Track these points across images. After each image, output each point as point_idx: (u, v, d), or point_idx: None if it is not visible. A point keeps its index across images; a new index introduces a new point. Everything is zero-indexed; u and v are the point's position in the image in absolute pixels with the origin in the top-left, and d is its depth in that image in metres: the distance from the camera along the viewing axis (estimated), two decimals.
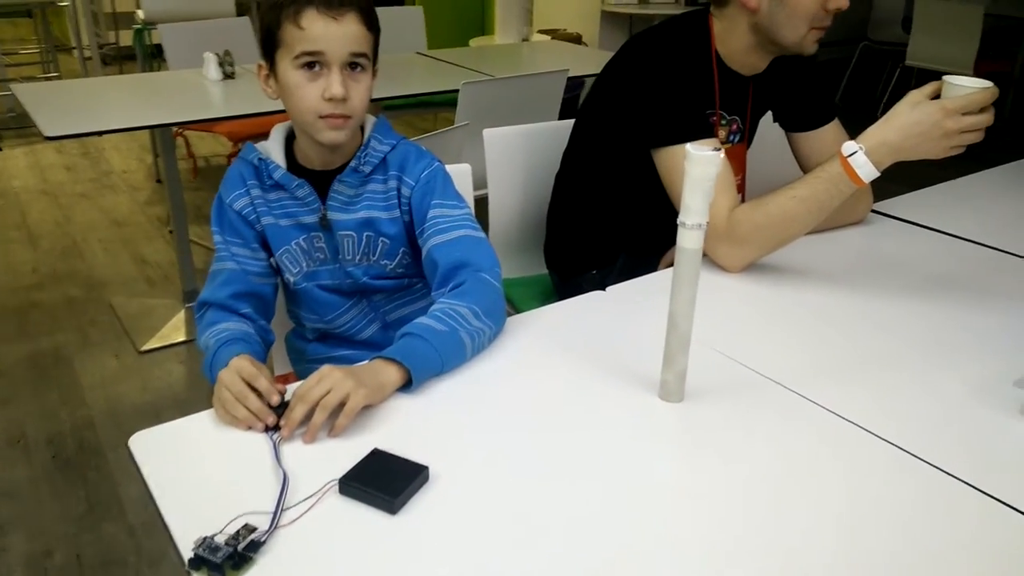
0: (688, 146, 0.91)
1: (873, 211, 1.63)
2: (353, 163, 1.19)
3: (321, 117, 1.12)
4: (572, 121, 1.74)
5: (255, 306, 1.21)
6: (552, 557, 0.77)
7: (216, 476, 0.88)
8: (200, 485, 0.87)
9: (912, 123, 1.19)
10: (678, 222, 0.94)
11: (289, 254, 1.23)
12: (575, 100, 3.59)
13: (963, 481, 0.88)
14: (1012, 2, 4.79)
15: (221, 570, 0.74)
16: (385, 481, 0.85)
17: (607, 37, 4.94)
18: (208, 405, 0.99)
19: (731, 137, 1.56)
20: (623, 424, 0.98)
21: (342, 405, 0.92)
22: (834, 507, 0.84)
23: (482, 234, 1.20)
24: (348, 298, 1.28)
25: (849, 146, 1.23)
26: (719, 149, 0.91)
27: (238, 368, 0.97)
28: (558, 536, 0.80)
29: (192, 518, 0.80)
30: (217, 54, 2.79)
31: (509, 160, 1.78)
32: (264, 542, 0.78)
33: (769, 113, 1.63)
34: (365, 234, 1.22)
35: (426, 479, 0.86)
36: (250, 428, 0.94)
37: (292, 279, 1.25)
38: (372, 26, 1.13)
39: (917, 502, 0.86)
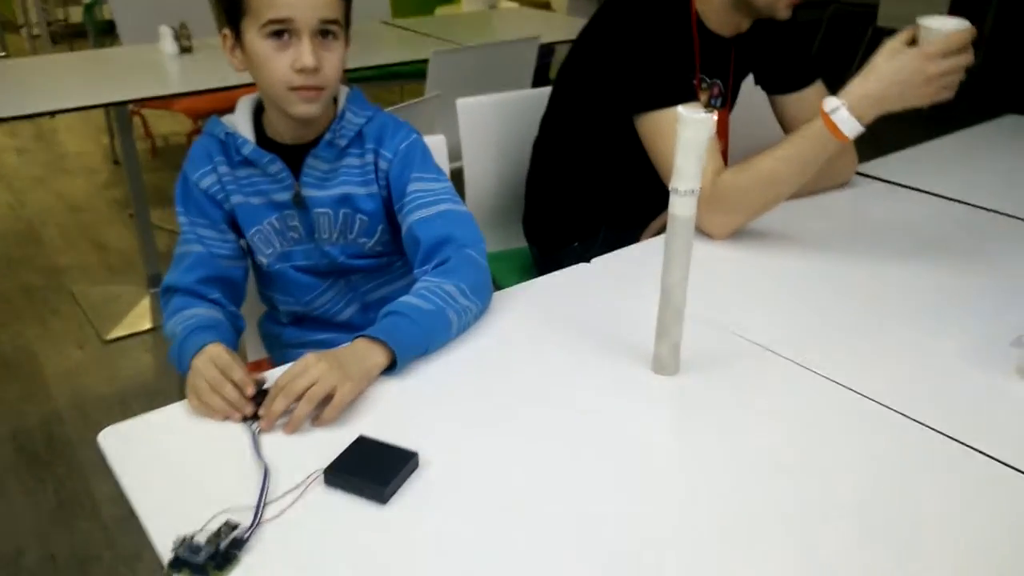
0: (680, 108, 0.86)
1: (858, 173, 1.60)
2: (328, 136, 1.13)
3: (292, 89, 1.06)
4: (549, 89, 1.69)
5: (224, 291, 1.15)
6: (551, 540, 0.73)
7: (192, 470, 0.83)
8: (176, 481, 0.81)
9: (893, 72, 1.15)
10: (670, 188, 0.90)
11: (261, 234, 1.17)
12: (546, 68, 3.53)
13: (964, 444, 0.86)
14: None
15: (204, 571, 0.69)
16: (373, 469, 0.80)
17: (576, 3, 4.84)
18: (179, 395, 0.93)
19: (712, 101, 1.51)
20: (618, 400, 0.94)
21: (328, 396, 0.88)
22: (836, 475, 0.82)
23: (464, 208, 1.15)
24: (325, 279, 1.22)
25: (830, 101, 1.20)
26: (711, 112, 0.86)
27: (213, 356, 0.92)
28: (556, 518, 0.76)
29: (169, 516, 0.75)
30: (173, 27, 2.68)
31: (484, 130, 1.73)
32: (247, 539, 0.73)
33: (751, 76, 1.59)
34: (342, 211, 1.16)
35: (416, 465, 0.82)
36: (226, 419, 0.89)
37: (265, 260, 1.19)
38: None
39: (919, 466, 0.84)
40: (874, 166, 1.65)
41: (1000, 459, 0.84)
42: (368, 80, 3.22)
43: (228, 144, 1.13)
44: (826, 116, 1.20)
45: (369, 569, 0.70)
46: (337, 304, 1.24)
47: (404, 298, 1.01)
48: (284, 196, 1.15)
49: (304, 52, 1.04)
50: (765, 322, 1.10)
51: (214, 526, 0.73)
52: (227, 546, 0.71)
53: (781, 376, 0.99)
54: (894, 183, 1.59)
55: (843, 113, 1.18)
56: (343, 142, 1.14)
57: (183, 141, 4.31)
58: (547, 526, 0.75)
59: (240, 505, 0.76)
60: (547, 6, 4.30)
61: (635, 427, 0.90)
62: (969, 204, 1.50)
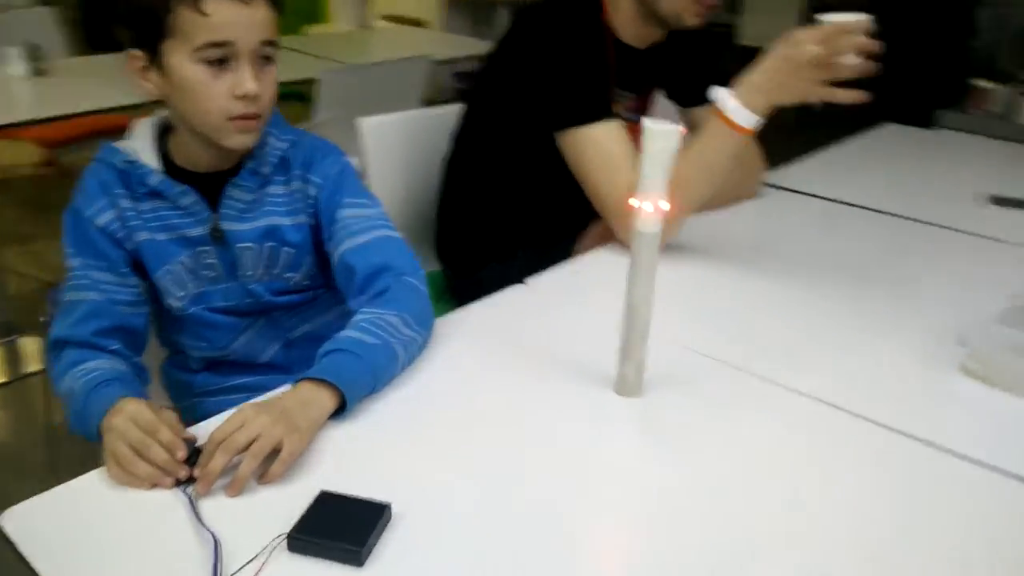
0: (646, 121, 0.83)
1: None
2: (250, 164, 1.02)
3: (231, 119, 0.95)
4: (453, 106, 1.64)
5: (125, 342, 1.01)
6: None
7: (122, 549, 0.71)
8: (105, 562, 0.70)
9: (772, 61, 1.14)
10: (633, 203, 0.86)
11: (171, 275, 1.04)
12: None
13: (919, 439, 0.88)
14: None
15: None
16: (344, 528, 0.71)
17: (451, 20, 4.83)
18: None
19: (627, 114, 1.50)
20: (586, 427, 0.90)
21: (274, 450, 0.78)
22: (801, 483, 0.82)
23: (398, 234, 1.07)
24: (244, 318, 1.10)
25: (719, 92, 1.18)
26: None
27: (132, 415, 0.80)
28: (542, 552, 0.71)
29: None
30: (21, 47, 2.43)
31: (389, 150, 1.65)
32: None
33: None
34: (267, 245, 1.05)
35: (389, 518, 0.74)
36: (155, 486, 0.77)
37: (177, 304, 1.05)
38: (279, 7, 0.97)
39: (877, 464, 0.86)
40: (775, 176, 1.70)
41: (954, 450, 0.86)
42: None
43: (130, 174, 0.99)
44: (717, 109, 1.19)
45: None
46: (258, 345, 1.12)
47: (345, 333, 0.92)
48: (199, 231, 1.03)
49: (246, 78, 0.93)
50: (718, 337, 1.08)
51: None
52: None
53: (743, 390, 0.97)
54: (798, 192, 1.64)
55: (731, 102, 1.17)
56: (267, 169, 1.03)
57: (30, 173, 3.93)
58: (536, 562, 0.70)
59: None
60: (419, 23, 4.25)
61: (609, 453, 0.86)
62: (869, 209, 1.56)
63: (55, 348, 0.98)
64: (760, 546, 0.73)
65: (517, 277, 1.39)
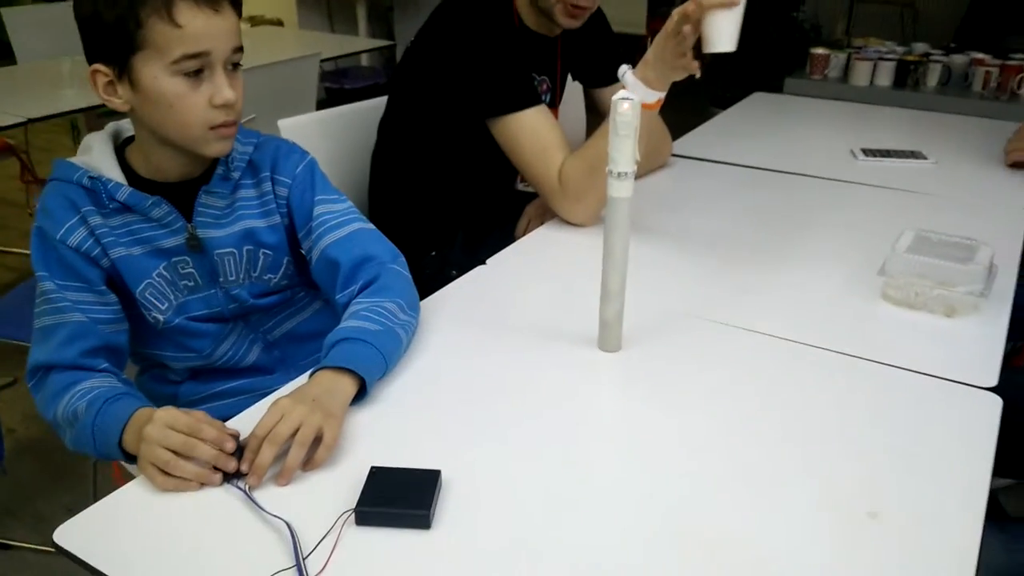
0: (613, 97, 0.92)
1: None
2: (220, 170, 1.03)
3: (212, 128, 0.95)
4: (374, 101, 1.67)
5: (111, 360, 0.99)
6: (588, 520, 0.77)
7: (185, 546, 0.73)
8: (178, 560, 0.72)
9: (657, 38, 1.21)
10: (607, 171, 0.95)
11: (153, 288, 1.02)
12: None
13: (858, 356, 1.03)
14: None
15: None
16: (406, 496, 0.77)
17: (306, 19, 4.74)
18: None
19: (543, 97, 1.60)
20: (581, 380, 0.99)
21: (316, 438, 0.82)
22: (760, 406, 0.94)
23: (372, 224, 1.11)
24: (225, 325, 1.10)
25: (621, 69, 1.27)
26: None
27: (168, 421, 0.81)
28: (563, 487, 0.80)
29: None
30: None
31: (312, 149, 1.65)
32: None
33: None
34: (245, 248, 1.06)
35: (440, 483, 0.80)
36: (203, 485, 0.80)
37: (161, 317, 1.04)
38: (240, 12, 0.98)
39: (825, 380, 0.99)
40: (677, 147, 1.83)
41: (876, 360, 1.02)
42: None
43: (96, 190, 0.98)
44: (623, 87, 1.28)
45: None
46: (240, 349, 1.12)
47: (349, 323, 0.96)
48: (173, 241, 1.02)
49: (222, 86, 0.94)
50: (676, 293, 1.20)
51: None
52: None
53: (705, 334, 1.09)
54: (701, 159, 1.79)
55: (629, 77, 1.24)
56: (236, 174, 1.04)
57: None
58: (577, 511, 0.78)
59: (267, 568, 0.69)
60: (281, 23, 4.16)
61: (602, 399, 0.97)
62: (764, 169, 1.73)
63: (38, 374, 0.96)
64: (728, 462, 0.85)
65: (457, 262, 1.45)
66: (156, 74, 0.92)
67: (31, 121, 2.08)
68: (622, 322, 1.03)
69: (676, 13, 1.17)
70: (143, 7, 0.88)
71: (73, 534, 0.75)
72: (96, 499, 0.79)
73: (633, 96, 0.92)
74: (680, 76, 1.23)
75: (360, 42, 3.95)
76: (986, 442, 0.87)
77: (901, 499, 0.79)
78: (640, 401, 0.96)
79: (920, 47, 3.23)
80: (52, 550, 1.79)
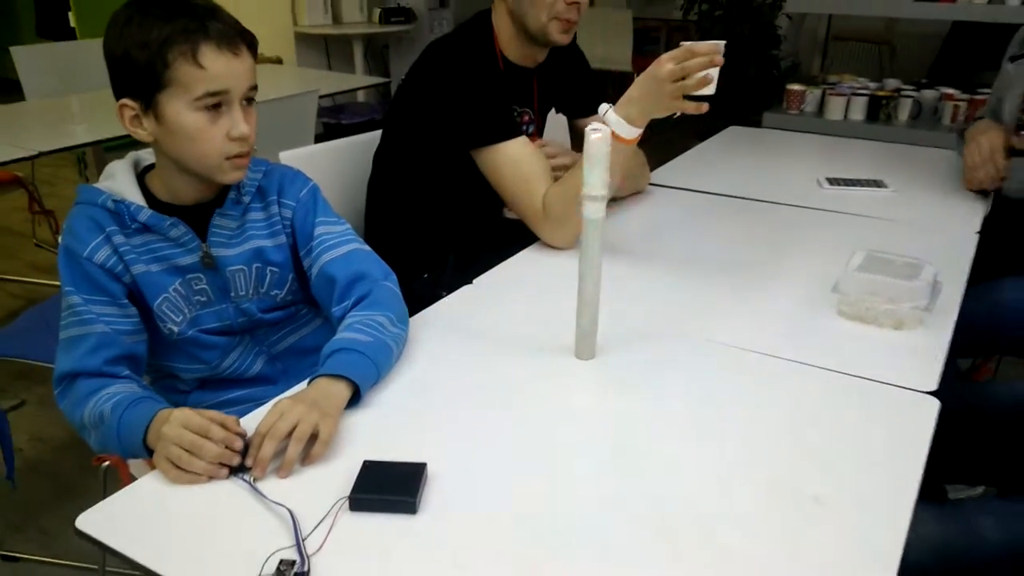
0: (587, 129, 1.02)
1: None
2: (232, 195, 1.14)
3: (228, 158, 1.06)
4: (371, 135, 1.78)
5: (132, 368, 1.09)
6: (561, 506, 0.86)
7: (198, 530, 0.82)
8: (188, 541, 0.80)
9: (642, 78, 1.30)
10: (582, 195, 1.05)
11: (169, 302, 1.12)
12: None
13: (815, 366, 1.12)
14: (655, 7, 5.64)
15: None
16: (395, 485, 0.86)
17: (305, 57, 4.90)
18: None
19: (524, 128, 1.70)
20: (557, 386, 1.08)
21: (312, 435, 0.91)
22: (722, 410, 1.03)
23: (367, 246, 1.21)
24: (233, 337, 1.20)
25: (601, 108, 1.36)
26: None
27: (183, 421, 0.90)
28: (539, 478, 0.89)
29: (208, 574, 0.75)
30: None
31: (315, 179, 1.76)
32: (308, 571, 0.75)
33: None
34: (255, 266, 1.16)
35: (426, 475, 0.88)
36: (211, 478, 0.88)
37: (176, 329, 1.14)
38: (256, 55, 1.09)
39: (783, 388, 1.08)
40: (654, 176, 1.95)
41: (829, 368, 1.11)
42: (125, 147, 3.04)
43: (120, 212, 1.08)
44: (603, 122, 1.38)
45: (420, 571, 0.76)
46: (246, 360, 1.22)
47: (344, 335, 1.05)
48: (189, 259, 1.12)
49: (239, 121, 1.05)
50: (649, 307, 1.30)
51: (271, 569, 0.75)
52: None
53: (675, 345, 1.18)
54: (676, 187, 1.89)
55: (612, 116, 1.33)
56: (247, 198, 1.15)
57: None
58: (550, 499, 0.87)
59: (270, 549, 0.78)
60: (279, 62, 4.30)
61: (577, 402, 1.07)
62: (735, 196, 1.83)
63: (65, 381, 1.05)
64: (691, 453, 0.94)
65: (447, 283, 1.55)
66: (180, 109, 1.03)
67: (42, 155, 2.18)
68: (596, 332, 1.13)
69: (672, 62, 1.25)
70: (171, 50, 1.00)
71: (94, 522, 0.83)
72: None
73: (604, 129, 1.02)
74: (665, 114, 1.31)
75: (356, 79, 4.09)
76: (923, 437, 0.96)
77: (843, 485, 0.88)
78: (612, 403, 1.05)
79: (892, 83, 3.37)
80: (58, 562, 1.89)
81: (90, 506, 0.83)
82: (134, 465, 1.29)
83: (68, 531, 0.82)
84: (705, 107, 1.29)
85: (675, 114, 1.31)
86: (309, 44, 4.94)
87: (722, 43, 1.27)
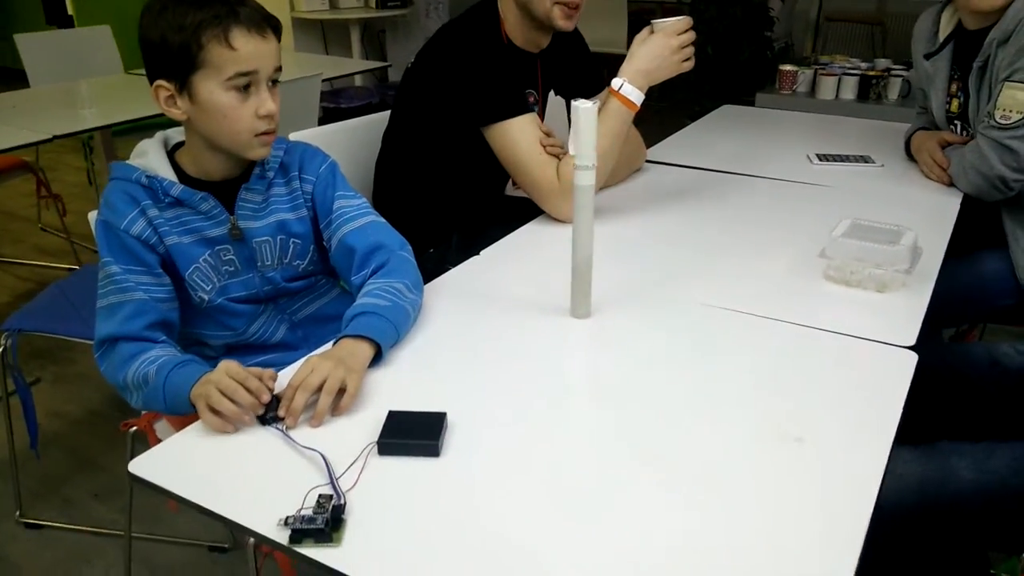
0: (575, 102, 1.10)
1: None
2: (257, 171, 1.21)
3: (257, 135, 1.14)
4: (375, 116, 1.85)
5: (169, 335, 1.16)
6: (565, 447, 0.94)
7: (241, 472, 0.90)
8: (235, 482, 0.88)
9: (649, 50, 1.53)
10: (573, 164, 1.12)
11: (199, 272, 1.20)
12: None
13: (802, 325, 1.20)
14: None
15: (327, 535, 0.79)
16: (419, 432, 0.93)
17: (302, 42, 4.95)
18: None
19: (532, 108, 1.78)
20: (555, 342, 1.17)
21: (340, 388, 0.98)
22: (711, 365, 1.10)
23: (382, 218, 1.29)
24: (258, 306, 1.27)
25: (616, 82, 1.54)
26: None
27: (226, 368, 0.97)
28: (547, 421, 0.98)
29: (253, 509, 0.83)
30: None
31: None
32: (344, 504, 0.83)
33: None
34: (279, 237, 1.24)
35: (446, 423, 0.96)
36: (236, 427, 0.96)
37: (206, 297, 1.21)
38: (280, 39, 1.16)
39: (772, 346, 1.15)
40: (651, 154, 2.02)
41: (816, 327, 1.19)
42: (133, 132, 3.09)
43: (154, 187, 1.15)
44: (615, 93, 1.53)
45: (447, 507, 0.84)
46: (270, 327, 1.30)
47: (365, 300, 1.13)
48: (218, 231, 1.20)
49: (267, 100, 1.13)
50: (642, 271, 1.38)
51: (310, 503, 0.83)
52: (333, 513, 0.81)
53: (666, 306, 1.26)
54: (671, 164, 1.97)
55: (628, 87, 1.53)
56: (271, 174, 1.22)
57: None
58: (556, 442, 0.96)
59: (306, 488, 0.85)
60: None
61: (575, 358, 1.16)
62: (728, 172, 1.91)
63: (105, 345, 1.12)
64: (681, 400, 1.02)
65: (453, 259, 1.62)
66: (212, 89, 1.10)
67: (56, 138, 2.25)
68: (590, 292, 1.21)
69: (677, 34, 1.53)
70: (204, 33, 1.07)
71: (145, 466, 0.91)
72: None
73: (591, 103, 1.10)
74: (667, 78, 1.54)
75: (355, 63, 4.14)
76: (901, 386, 1.04)
77: (826, 428, 0.96)
78: (606, 356, 1.14)
79: (883, 63, 3.44)
80: (84, 529, 1.98)
81: (110, 477, 0.90)
82: (160, 429, 1.38)
83: (89, 500, 0.89)
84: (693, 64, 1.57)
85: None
86: (306, 29, 4.99)
87: (689, 18, 1.55)
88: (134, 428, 1.41)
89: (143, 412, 1.31)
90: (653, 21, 1.54)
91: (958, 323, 2.04)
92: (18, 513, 1.94)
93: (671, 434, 0.96)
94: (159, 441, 1.38)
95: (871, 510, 0.84)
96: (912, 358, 1.10)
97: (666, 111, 1.55)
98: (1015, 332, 2.24)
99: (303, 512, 0.81)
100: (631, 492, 0.86)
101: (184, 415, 1.02)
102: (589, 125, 1.10)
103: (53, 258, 3.39)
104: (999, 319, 1.78)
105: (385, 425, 0.94)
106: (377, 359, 1.08)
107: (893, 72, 3.27)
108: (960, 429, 1.46)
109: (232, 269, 1.23)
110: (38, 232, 3.65)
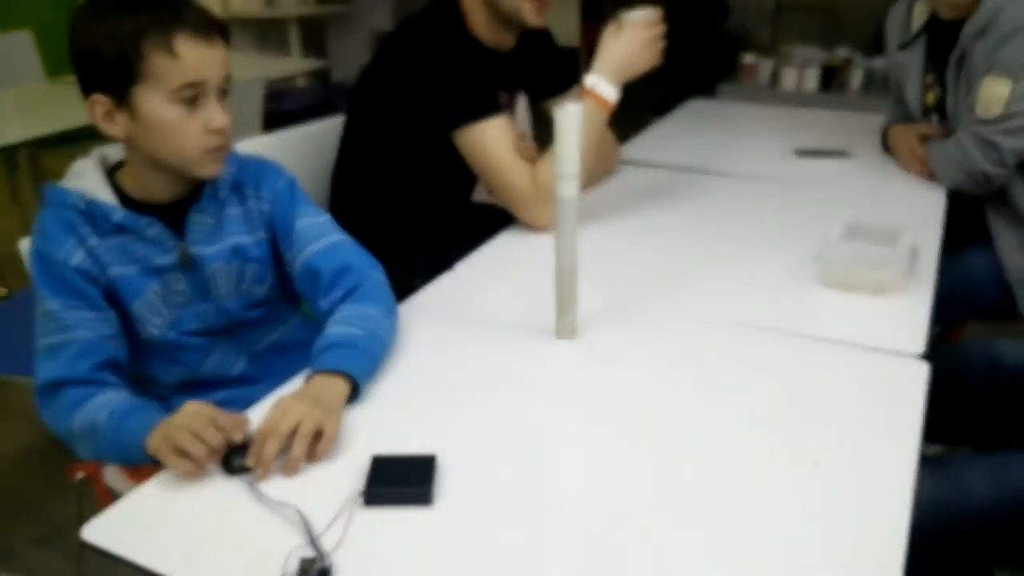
0: (557, 105, 1.01)
1: None
2: (208, 190, 1.10)
3: (207, 152, 1.02)
4: (328, 122, 1.74)
5: (118, 375, 1.04)
6: (566, 483, 0.86)
7: (207, 534, 0.80)
8: (201, 545, 0.79)
9: (623, 45, 1.45)
10: (556, 173, 1.04)
11: (147, 305, 1.08)
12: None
13: (797, 334, 1.14)
14: None
15: None
16: (408, 477, 0.85)
17: (237, 42, 4.74)
18: None
19: (502, 109, 1.68)
20: (540, 365, 1.09)
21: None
22: (704, 379, 1.04)
23: (349, 237, 1.19)
24: (213, 338, 1.16)
25: (589, 80, 1.46)
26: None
27: (193, 409, 0.88)
28: (539, 455, 0.91)
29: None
30: None
31: None
32: (330, 567, 0.74)
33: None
34: (235, 263, 1.13)
35: (436, 466, 0.87)
36: (199, 477, 0.86)
37: (156, 332, 1.10)
38: (228, 44, 1.05)
39: (767, 356, 1.09)
40: (621, 153, 1.95)
41: (816, 336, 1.14)
42: (61, 144, 2.91)
43: (93, 213, 1.03)
44: (589, 92, 1.45)
45: (445, 561, 0.76)
46: (227, 361, 1.19)
47: (335, 329, 1.03)
48: (167, 259, 1.08)
49: (216, 112, 1.02)
50: (626, 284, 1.30)
51: (291, 568, 0.73)
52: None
53: (653, 320, 1.19)
54: (643, 164, 1.90)
55: (602, 85, 1.45)
56: (223, 193, 1.11)
57: None
58: (555, 487, 0.88)
59: (286, 549, 0.76)
60: None
61: (561, 380, 1.08)
62: (703, 171, 1.85)
63: (49, 390, 1.00)
64: (683, 424, 0.95)
65: (421, 271, 1.53)
66: (156, 103, 0.99)
67: None
68: (576, 311, 1.12)
69: (649, 27, 1.45)
70: (145, 41, 0.96)
71: (100, 531, 0.80)
72: (82, 519, 0.83)
73: (575, 106, 1.01)
74: (645, 69, 1.47)
75: (295, 64, 3.97)
76: (916, 400, 0.98)
77: (841, 450, 0.90)
78: (597, 381, 1.06)
79: (843, 52, 3.43)
80: None
81: (54, 522, 0.79)
82: (109, 476, 1.26)
83: (30, 548, 0.79)
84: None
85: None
86: (241, 29, 4.78)
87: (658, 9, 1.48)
88: (81, 475, 1.29)
89: None
90: (621, 14, 1.46)
91: (945, 321, 2.01)
92: None
93: (678, 468, 0.88)
94: (107, 490, 1.28)
95: (905, 541, 0.77)
96: (924, 368, 1.05)
97: (624, 105, 1.49)
98: (1000, 330, 2.23)
99: None
100: (643, 535, 0.78)
101: (139, 466, 0.92)
102: (574, 130, 1.02)
103: None
104: (986, 316, 1.75)
105: (370, 473, 0.85)
106: (354, 395, 0.98)
107: (855, 63, 3.26)
108: (960, 431, 1.42)
109: (183, 300, 1.11)
110: None
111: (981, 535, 1.05)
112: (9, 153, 3.25)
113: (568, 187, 1.05)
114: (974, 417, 1.34)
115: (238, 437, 0.88)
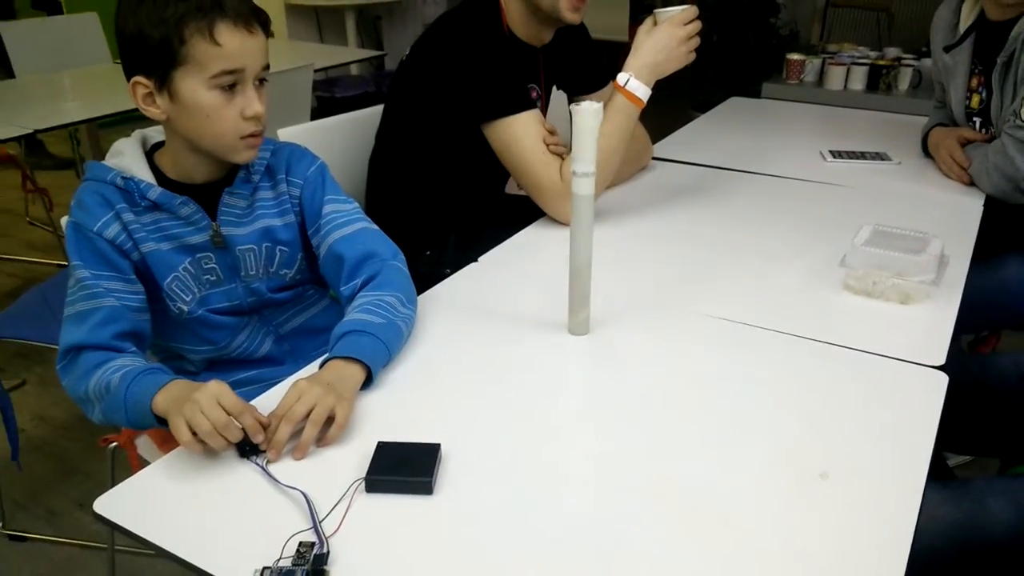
0: (574, 105, 1.01)
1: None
2: (241, 174, 1.13)
3: (242, 138, 1.05)
4: (369, 111, 1.76)
5: (138, 346, 1.07)
6: (568, 479, 0.87)
7: (214, 513, 0.82)
8: (206, 524, 0.81)
9: (655, 43, 1.44)
10: (571, 171, 1.04)
11: (179, 281, 1.11)
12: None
13: (820, 341, 1.12)
14: None
15: None
16: (410, 466, 0.86)
17: (295, 30, 4.84)
18: None
19: (534, 103, 1.69)
20: (553, 361, 1.09)
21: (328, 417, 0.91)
22: (719, 384, 1.03)
23: (375, 225, 1.20)
24: (242, 318, 1.19)
25: (621, 77, 1.45)
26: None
27: (217, 395, 0.87)
28: (545, 450, 0.91)
29: (228, 557, 0.76)
30: None
31: None
32: (328, 553, 0.76)
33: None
34: (264, 245, 1.16)
35: (440, 455, 0.88)
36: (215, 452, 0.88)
37: (185, 308, 1.13)
38: (268, 35, 1.08)
39: (788, 363, 1.08)
40: (656, 150, 1.94)
41: (835, 343, 1.11)
42: (117, 124, 3.00)
43: (129, 190, 1.07)
44: (621, 88, 1.45)
45: (441, 552, 0.77)
46: (254, 340, 1.22)
47: (354, 316, 1.05)
48: (199, 238, 1.11)
49: (253, 100, 1.04)
50: (644, 282, 1.29)
51: (291, 551, 0.75)
52: (314, 564, 0.74)
53: (670, 319, 1.18)
54: (678, 161, 1.89)
55: (634, 83, 1.45)
56: (256, 177, 1.14)
57: None
58: (560, 476, 0.88)
59: (288, 532, 0.78)
60: (271, 36, 4.25)
61: (573, 378, 1.08)
62: (736, 170, 1.83)
63: (70, 354, 1.03)
64: (690, 427, 0.95)
65: (450, 260, 1.54)
66: (195, 87, 1.02)
67: (37, 132, 2.16)
68: (588, 309, 1.12)
69: (684, 25, 1.44)
70: (187, 27, 0.99)
71: (111, 504, 0.83)
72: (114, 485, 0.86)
73: (595, 104, 1.01)
74: (678, 67, 1.46)
75: (350, 52, 4.04)
76: (932, 412, 0.96)
77: (851, 463, 0.89)
78: (609, 379, 1.06)
79: (892, 52, 3.34)
80: (67, 541, 1.89)
81: (96, 486, 0.82)
82: (142, 446, 1.30)
83: (75, 510, 0.82)
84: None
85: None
86: (300, 16, 4.87)
87: (694, 7, 1.47)
88: (114, 444, 1.33)
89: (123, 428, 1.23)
90: (656, 11, 1.45)
91: (978, 330, 1.96)
92: (1, 525, 1.87)
93: (684, 472, 0.88)
94: (140, 459, 1.32)
95: (906, 556, 0.76)
96: (942, 380, 1.02)
97: (669, 101, 1.48)
98: None
99: (281, 563, 0.74)
100: (642, 535, 0.78)
101: (148, 429, 0.94)
102: (591, 129, 1.02)
103: (41, 253, 3.31)
104: (1021, 326, 1.70)
105: (373, 459, 0.87)
106: (368, 382, 1.00)
107: (904, 62, 3.18)
108: (986, 442, 1.39)
109: (214, 279, 1.15)
110: (26, 226, 3.56)
111: (1003, 561, 1.03)
112: (73, 132, 3.37)
113: (584, 185, 1.05)
114: (1001, 428, 1.31)
115: (259, 439, 0.89)
